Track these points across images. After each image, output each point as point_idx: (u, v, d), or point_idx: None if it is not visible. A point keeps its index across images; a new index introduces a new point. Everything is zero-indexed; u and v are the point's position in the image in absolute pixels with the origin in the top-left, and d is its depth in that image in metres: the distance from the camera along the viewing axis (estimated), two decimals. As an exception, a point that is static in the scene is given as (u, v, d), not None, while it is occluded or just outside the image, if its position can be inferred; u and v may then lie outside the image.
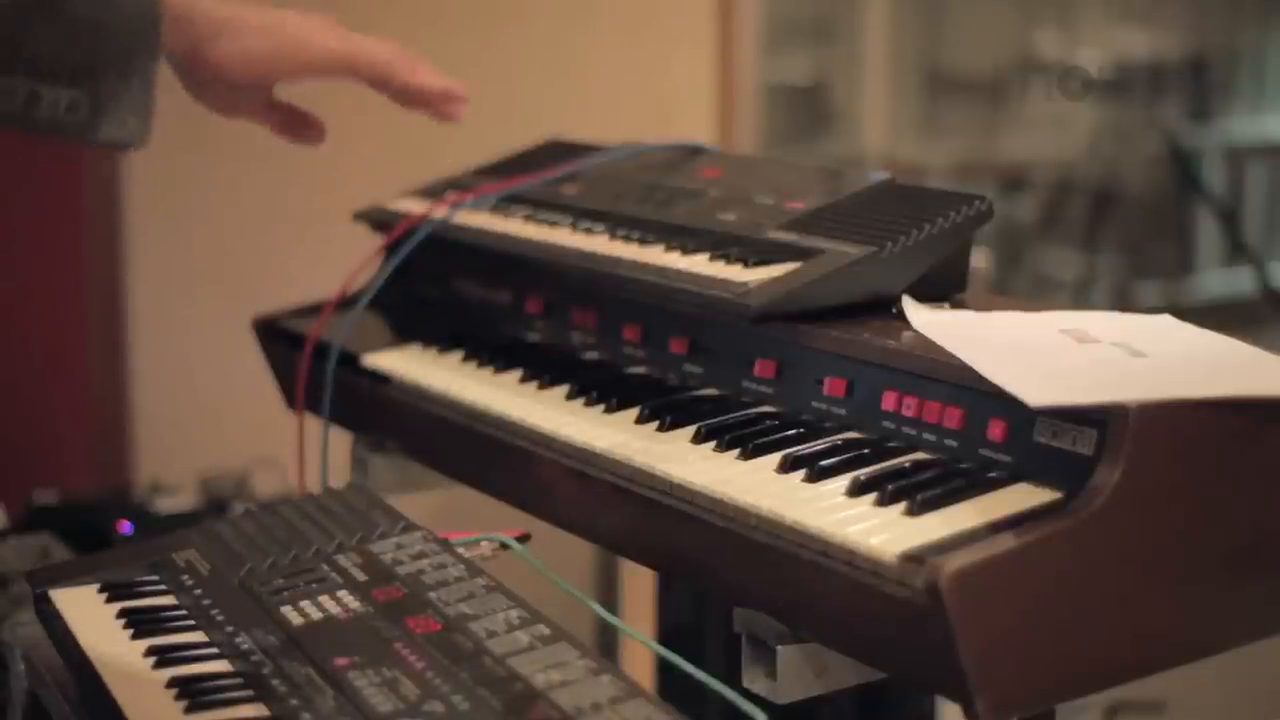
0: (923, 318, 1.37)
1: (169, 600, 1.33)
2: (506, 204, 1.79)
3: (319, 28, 1.20)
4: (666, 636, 1.97)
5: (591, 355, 1.61)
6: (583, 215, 1.69)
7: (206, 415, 2.86)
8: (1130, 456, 1.09)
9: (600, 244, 1.60)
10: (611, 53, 3.17)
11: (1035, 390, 1.14)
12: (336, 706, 1.09)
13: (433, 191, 1.87)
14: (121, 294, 2.80)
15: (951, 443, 1.25)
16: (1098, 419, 1.13)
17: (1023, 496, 1.15)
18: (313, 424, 1.72)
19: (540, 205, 1.75)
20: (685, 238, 1.55)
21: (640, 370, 1.55)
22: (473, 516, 1.53)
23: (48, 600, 1.35)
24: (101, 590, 1.36)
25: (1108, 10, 5.14)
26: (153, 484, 2.55)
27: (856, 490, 1.19)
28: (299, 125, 1.28)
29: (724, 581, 1.28)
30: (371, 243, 1.82)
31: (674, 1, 3.29)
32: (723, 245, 1.50)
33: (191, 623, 1.28)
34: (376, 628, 1.19)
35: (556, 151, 1.93)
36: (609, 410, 1.45)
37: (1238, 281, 4.98)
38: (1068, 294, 4.89)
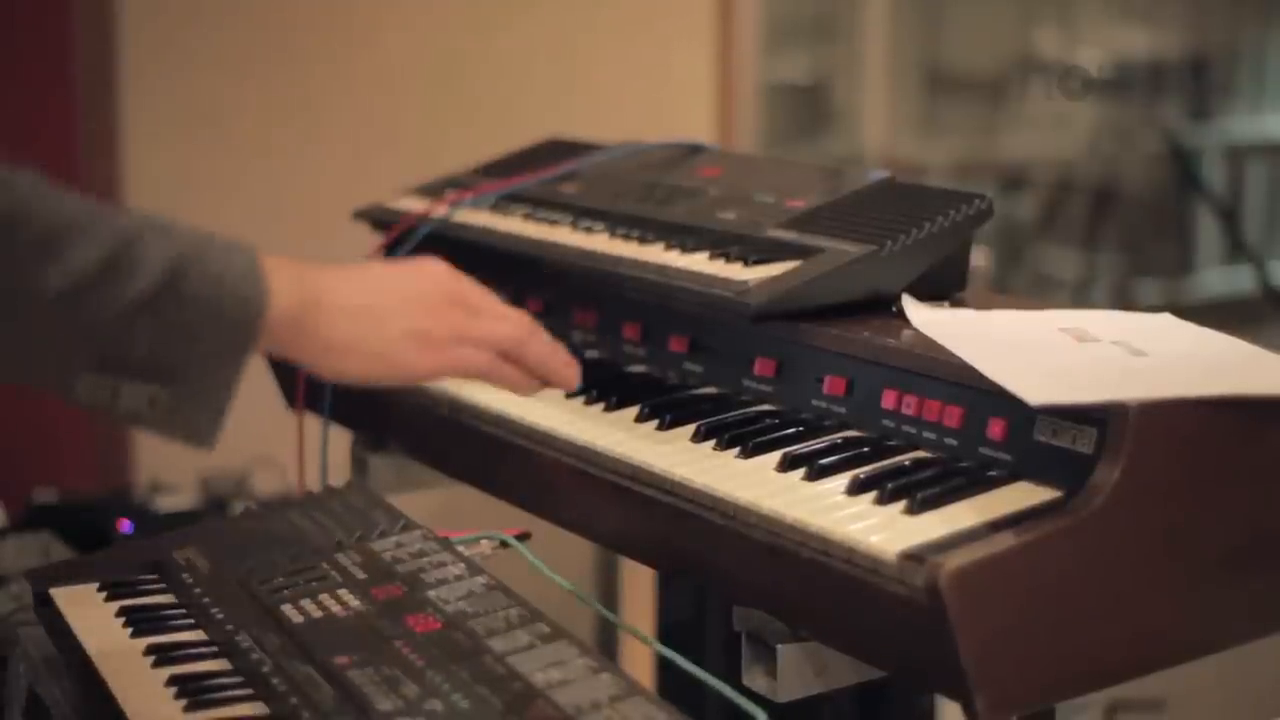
0: (922, 316, 1.37)
1: (169, 599, 1.33)
2: (506, 203, 1.78)
3: (419, 339, 1.15)
4: (666, 635, 1.97)
5: (591, 354, 1.61)
6: (582, 214, 1.69)
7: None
8: (1130, 455, 1.09)
9: (600, 243, 1.60)
10: (611, 52, 3.17)
11: (1035, 389, 1.14)
12: (336, 705, 1.08)
13: (432, 190, 1.87)
14: (121, 293, 2.79)
15: (951, 441, 1.25)
16: (1098, 417, 1.13)
17: (1022, 495, 1.15)
18: (313, 423, 1.72)
19: (540, 204, 1.75)
20: (685, 236, 1.55)
21: (640, 369, 1.55)
22: (472, 515, 1.53)
23: (48, 600, 1.35)
24: (101, 589, 1.36)
25: (1108, 9, 5.13)
26: (153, 483, 2.55)
27: (856, 489, 1.19)
28: None
29: (724, 580, 1.28)
30: (371, 241, 1.82)
31: (674, 1, 3.29)
32: (722, 244, 1.50)
33: (191, 621, 1.28)
34: (376, 626, 1.19)
35: (556, 150, 1.93)
36: (609, 409, 1.45)
37: (1238, 280, 4.98)
38: (1068, 293, 4.89)
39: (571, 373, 1.26)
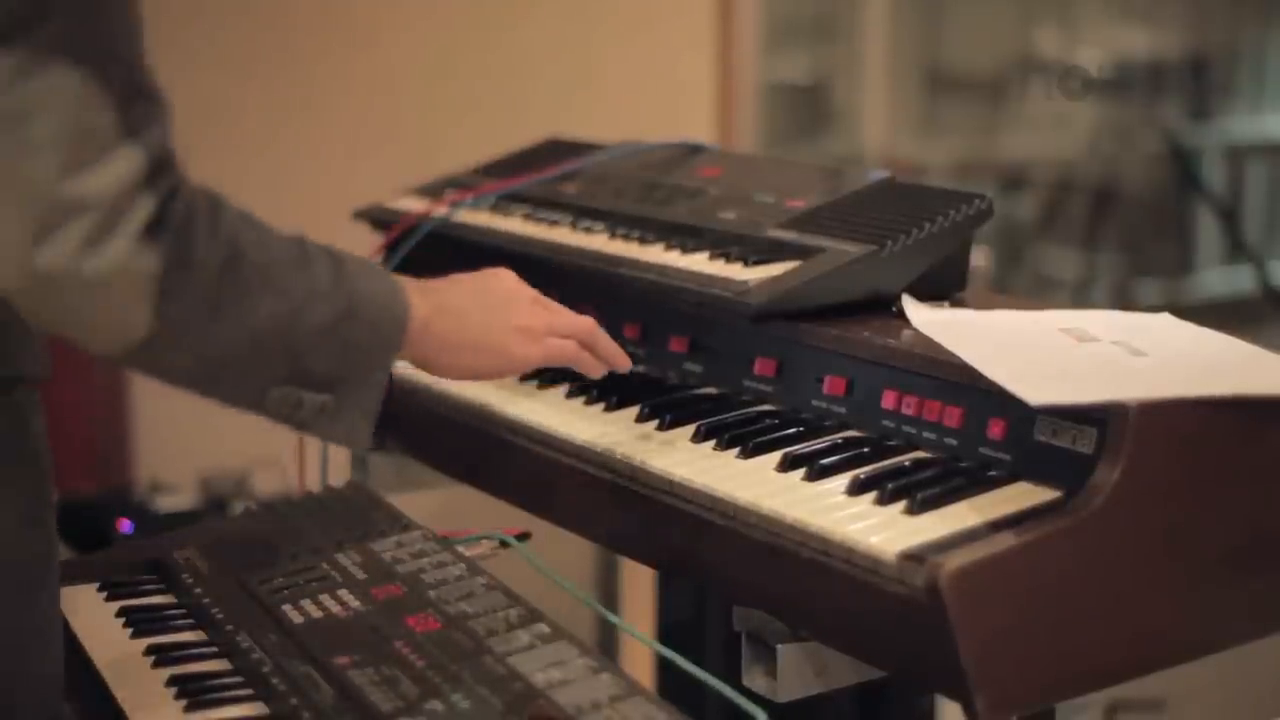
0: (923, 316, 1.37)
1: (168, 599, 1.33)
2: (506, 203, 1.78)
3: (524, 332, 1.32)
4: (666, 635, 1.97)
5: (591, 354, 1.61)
6: (582, 214, 1.69)
7: (206, 415, 2.85)
8: (1130, 455, 1.09)
9: (600, 242, 1.60)
10: (612, 52, 3.17)
11: (1035, 389, 1.14)
12: (336, 705, 1.08)
13: (433, 190, 1.87)
14: (121, 293, 2.78)
15: (951, 441, 1.25)
16: (1098, 417, 1.13)
17: (1022, 495, 1.15)
18: (313, 423, 1.72)
19: (540, 204, 1.75)
20: (685, 236, 1.55)
21: (640, 369, 1.55)
22: (473, 515, 1.53)
23: (48, 599, 1.35)
24: (101, 589, 1.36)
25: (1108, 9, 5.13)
26: (153, 483, 2.55)
27: (856, 489, 1.19)
28: None
29: (723, 580, 1.28)
30: (371, 241, 1.82)
31: (674, 1, 3.29)
32: (722, 244, 1.50)
33: (191, 621, 1.28)
34: (376, 626, 1.19)
35: (556, 150, 1.92)
36: (609, 409, 1.45)
37: (1238, 280, 4.98)
38: (1068, 293, 4.88)
39: (627, 359, 1.39)
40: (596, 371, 1.36)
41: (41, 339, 1.16)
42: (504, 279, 1.34)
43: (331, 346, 1.15)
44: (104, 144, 1.01)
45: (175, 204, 1.05)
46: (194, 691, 1.15)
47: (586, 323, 1.36)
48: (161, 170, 1.04)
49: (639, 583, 2.26)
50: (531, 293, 1.35)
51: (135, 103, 1.03)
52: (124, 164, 1.01)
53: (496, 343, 1.29)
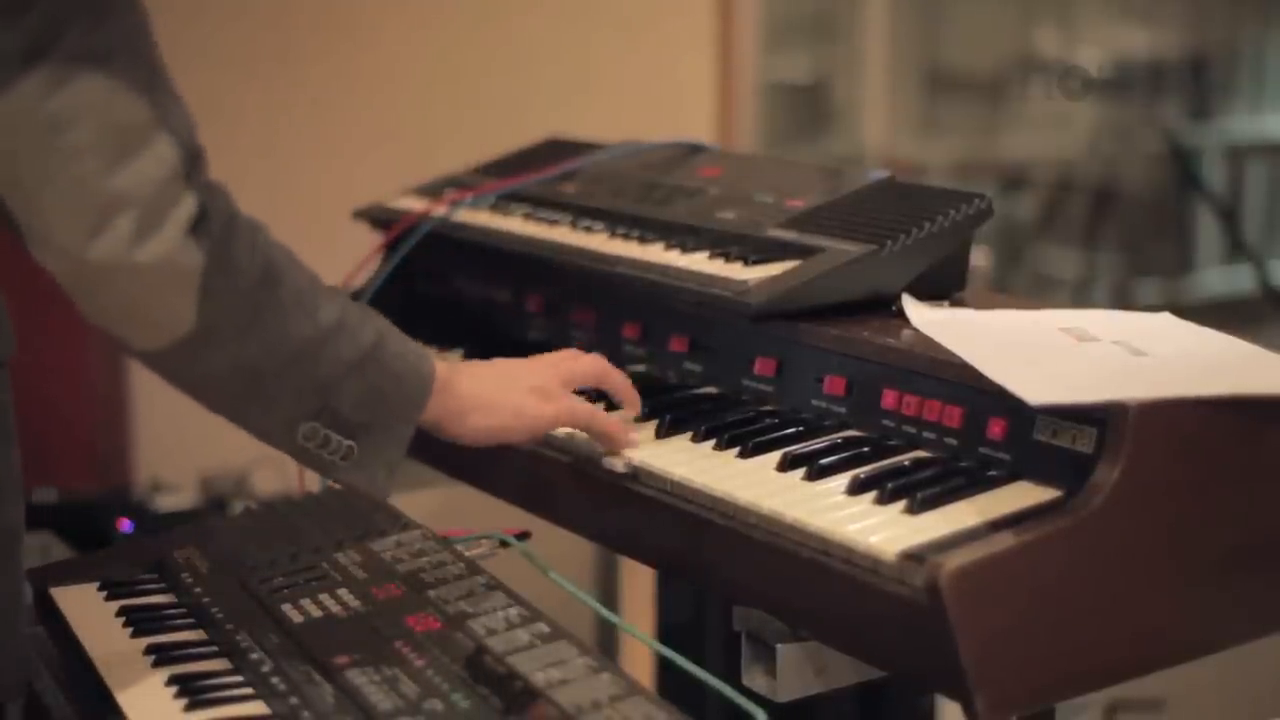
0: (922, 316, 1.37)
1: (169, 599, 1.33)
2: (506, 202, 1.79)
3: (539, 392, 1.34)
4: (666, 635, 1.97)
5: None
6: (582, 213, 1.69)
7: (206, 414, 2.84)
8: (1130, 455, 1.09)
9: (600, 242, 1.60)
10: (612, 52, 3.17)
11: (1035, 389, 1.14)
12: (336, 704, 1.08)
13: (433, 189, 1.87)
14: (121, 293, 2.78)
15: (951, 441, 1.25)
16: (1098, 417, 1.13)
17: (1022, 495, 1.15)
18: (313, 423, 1.71)
19: (540, 203, 1.75)
20: (685, 236, 1.55)
21: (640, 368, 1.55)
22: (473, 514, 1.53)
23: (48, 599, 1.35)
24: (101, 589, 1.36)
25: (1107, 9, 5.13)
26: (153, 483, 2.55)
27: (856, 489, 1.19)
28: None
29: (723, 580, 1.28)
30: (371, 240, 1.82)
31: (674, 1, 3.29)
32: (722, 243, 1.50)
33: (191, 621, 1.28)
34: (376, 626, 1.19)
35: (556, 150, 1.92)
36: (609, 408, 1.44)
37: (1237, 280, 4.97)
38: (1068, 292, 4.88)
39: (638, 398, 1.40)
40: (619, 433, 1.35)
41: (6, 319, 1.19)
42: (513, 360, 1.38)
43: (358, 387, 1.19)
44: (142, 133, 1.06)
45: (215, 206, 1.11)
46: (194, 691, 1.14)
47: (594, 360, 1.38)
48: (195, 164, 1.10)
49: (639, 583, 2.25)
50: (550, 357, 1.38)
51: (158, 90, 1.08)
52: (163, 150, 1.07)
53: (518, 402, 1.32)
